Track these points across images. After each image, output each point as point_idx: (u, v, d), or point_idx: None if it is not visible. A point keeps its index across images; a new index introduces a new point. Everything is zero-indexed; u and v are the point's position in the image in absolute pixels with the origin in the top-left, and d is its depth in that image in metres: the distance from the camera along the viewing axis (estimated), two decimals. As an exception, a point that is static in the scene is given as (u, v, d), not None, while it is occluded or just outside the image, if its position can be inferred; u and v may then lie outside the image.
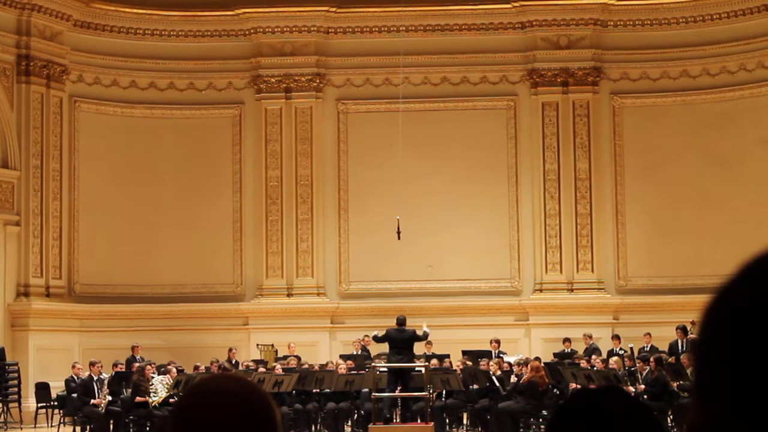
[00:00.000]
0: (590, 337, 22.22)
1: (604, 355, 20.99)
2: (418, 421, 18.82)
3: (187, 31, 25.20)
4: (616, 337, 22.11)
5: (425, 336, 19.21)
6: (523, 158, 24.83)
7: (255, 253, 24.84)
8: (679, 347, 20.22)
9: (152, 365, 19.60)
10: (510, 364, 20.01)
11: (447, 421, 19.89)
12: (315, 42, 25.09)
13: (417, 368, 18.96)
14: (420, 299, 24.23)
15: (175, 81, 25.30)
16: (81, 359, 21.62)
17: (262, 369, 20.35)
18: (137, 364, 19.89)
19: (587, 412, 1.63)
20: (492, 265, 24.59)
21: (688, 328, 20.44)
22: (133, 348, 21.77)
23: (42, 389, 21.21)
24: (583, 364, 19.61)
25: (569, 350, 21.99)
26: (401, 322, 18.89)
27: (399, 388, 18.55)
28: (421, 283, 24.47)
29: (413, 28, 25.02)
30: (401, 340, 18.57)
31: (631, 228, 24.63)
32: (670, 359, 19.63)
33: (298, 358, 21.54)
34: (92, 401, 19.17)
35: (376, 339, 19.24)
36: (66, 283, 23.87)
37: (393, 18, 24.89)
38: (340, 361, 20.90)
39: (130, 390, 19.13)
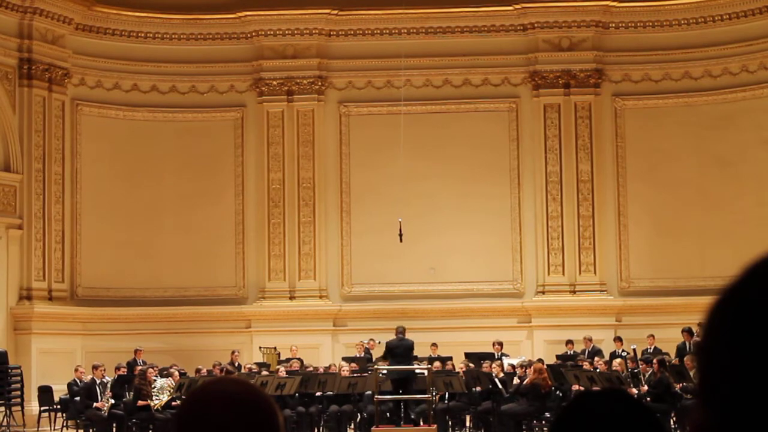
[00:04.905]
0: (590, 340, 22.20)
1: (606, 357, 20.97)
2: (421, 423, 18.81)
3: (189, 34, 25.22)
4: (618, 339, 22.09)
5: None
6: (525, 160, 24.84)
7: (257, 255, 24.85)
8: (687, 349, 20.21)
9: (154, 368, 19.60)
10: (513, 366, 20.01)
11: (450, 423, 19.89)
12: (317, 45, 25.11)
13: (419, 371, 18.95)
14: (422, 302, 24.24)
15: (177, 84, 25.32)
16: (84, 362, 21.63)
17: (264, 372, 20.35)
18: (139, 368, 19.88)
19: (590, 414, 1.63)
20: (494, 268, 24.59)
21: (694, 330, 20.44)
22: (135, 351, 21.77)
23: (45, 393, 21.21)
24: (586, 366, 19.60)
25: (572, 352, 21.96)
26: (401, 332, 18.88)
27: (401, 391, 18.53)
28: (423, 285, 24.47)
29: (415, 30, 25.03)
30: (402, 348, 18.51)
31: (634, 230, 24.62)
32: (675, 361, 19.63)
33: (301, 361, 21.54)
34: (95, 404, 19.16)
35: (383, 359, 19.17)
36: (68, 286, 23.88)
37: (394, 20, 24.91)
38: (343, 364, 20.90)
39: (132, 393, 19.13)
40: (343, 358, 21.78)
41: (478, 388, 19.26)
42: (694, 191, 24.35)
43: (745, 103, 24.19)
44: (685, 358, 19.26)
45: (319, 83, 25.13)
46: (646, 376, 18.54)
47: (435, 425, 18.38)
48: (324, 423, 19.91)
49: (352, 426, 20.04)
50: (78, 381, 19.99)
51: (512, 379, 19.34)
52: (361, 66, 25.21)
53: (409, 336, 19.04)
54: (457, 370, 20.29)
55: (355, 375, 19.88)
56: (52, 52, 23.65)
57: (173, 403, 18.66)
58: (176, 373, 19.89)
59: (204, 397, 1.93)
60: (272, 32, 25.02)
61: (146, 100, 25.18)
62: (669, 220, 24.40)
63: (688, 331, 20.61)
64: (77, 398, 19.62)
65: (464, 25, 24.99)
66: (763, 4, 23.72)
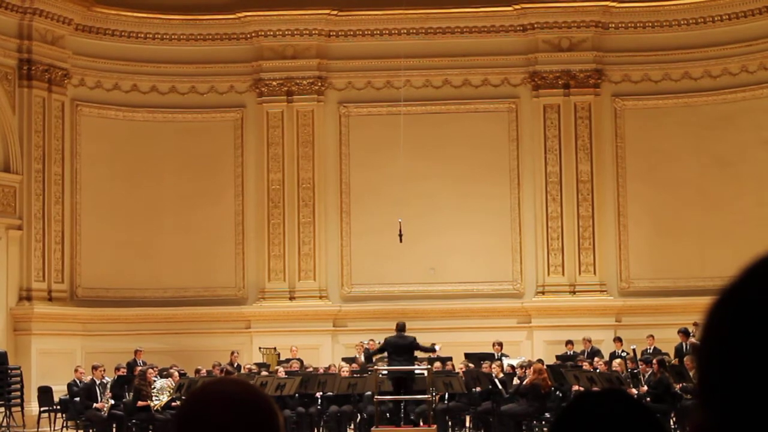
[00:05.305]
0: (589, 341, 22.20)
1: (606, 358, 20.98)
2: (421, 424, 18.80)
3: (189, 34, 25.22)
4: (618, 340, 22.09)
5: (432, 349, 19.14)
6: (524, 160, 24.84)
7: (257, 256, 24.85)
8: (684, 350, 20.24)
9: (154, 369, 19.60)
10: (512, 367, 20.00)
11: (449, 423, 19.88)
12: (316, 45, 25.11)
13: (419, 371, 18.91)
14: (422, 302, 24.24)
15: (177, 84, 25.32)
16: (83, 363, 21.63)
17: (264, 372, 20.34)
18: (139, 368, 19.87)
19: (590, 414, 1.64)
20: (494, 268, 24.59)
21: (691, 331, 20.47)
22: (135, 352, 21.77)
23: (44, 393, 21.20)
24: (586, 366, 19.60)
25: (572, 352, 21.96)
26: (401, 328, 18.62)
27: (402, 391, 18.48)
28: (423, 285, 24.47)
29: (414, 30, 25.03)
30: (402, 346, 18.32)
31: (633, 230, 24.62)
32: (674, 361, 19.65)
33: (301, 362, 21.54)
34: (95, 405, 19.16)
35: (372, 354, 18.93)
36: (68, 286, 23.88)
37: (394, 21, 24.91)
38: (343, 364, 20.89)
39: (132, 394, 19.13)
40: (343, 359, 21.78)
41: (478, 389, 19.25)
42: (694, 191, 24.35)
43: (745, 103, 24.20)
44: (685, 359, 19.27)
45: (319, 84, 25.13)
46: (646, 376, 18.53)
47: (435, 425, 18.35)
48: (324, 423, 19.90)
49: (352, 426, 20.03)
50: (78, 381, 19.98)
51: (512, 379, 19.33)
52: (360, 66, 25.21)
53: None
54: (456, 370, 20.29)
55: (354, 375, 19.88)
56: (51, 52, 23.65)
57: (173, 404, 18.65)
58: (176, 373, 19.88)
59: (204, 397, 1.93)
60: (272, 33, 25.02)
61: (146, 101, 25.18)
62: (669, 220, 24.40)
63: (683, 332, 20.63)
64: (77, 399, 19.62)
65: (464, 26, 24.99)
66: (763, 4, 23.73)
